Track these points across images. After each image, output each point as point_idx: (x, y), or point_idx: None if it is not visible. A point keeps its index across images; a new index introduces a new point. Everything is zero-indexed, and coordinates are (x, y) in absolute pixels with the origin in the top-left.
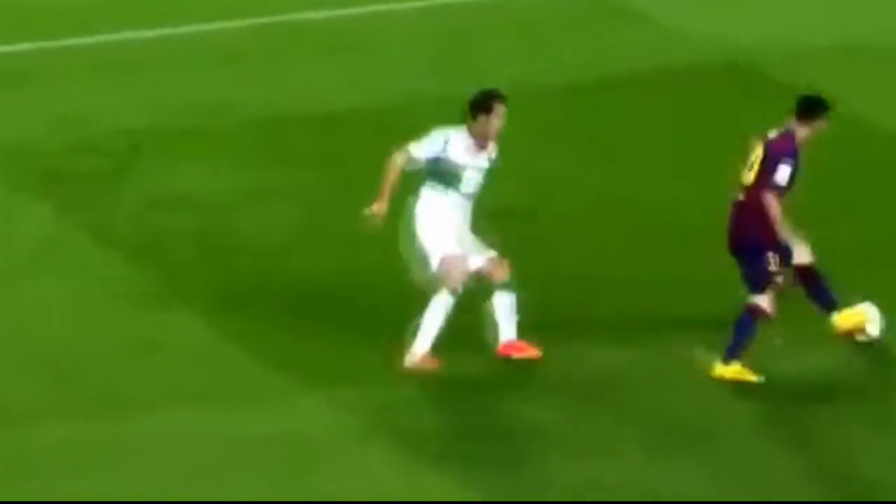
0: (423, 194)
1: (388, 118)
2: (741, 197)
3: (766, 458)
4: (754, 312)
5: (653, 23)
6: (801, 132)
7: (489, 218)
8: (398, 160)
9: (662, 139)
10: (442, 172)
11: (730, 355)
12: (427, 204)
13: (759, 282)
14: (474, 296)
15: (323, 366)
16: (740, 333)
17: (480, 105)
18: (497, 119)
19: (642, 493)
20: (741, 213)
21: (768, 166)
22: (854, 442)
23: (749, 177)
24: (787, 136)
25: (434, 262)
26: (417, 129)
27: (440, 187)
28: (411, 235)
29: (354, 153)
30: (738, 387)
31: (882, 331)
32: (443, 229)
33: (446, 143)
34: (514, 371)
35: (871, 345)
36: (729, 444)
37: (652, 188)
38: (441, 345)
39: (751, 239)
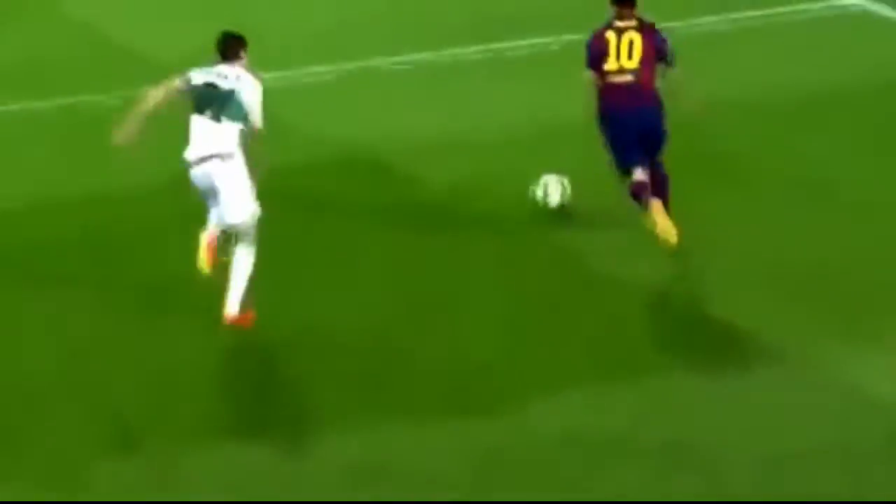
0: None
1: None
2: (631, 78)
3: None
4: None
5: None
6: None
7: None
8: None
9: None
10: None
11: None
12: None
13: (664, 140)
14: None
15: None
16: (667, 186)
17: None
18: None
19: None
20: (642, 90)
21: (655, 50)
22: None
23: (633, 62)
24: (649, 26)
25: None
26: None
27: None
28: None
29: None
30: None
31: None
32: None
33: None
34: None
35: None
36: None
37: None
38: None
39: (656, 105)
